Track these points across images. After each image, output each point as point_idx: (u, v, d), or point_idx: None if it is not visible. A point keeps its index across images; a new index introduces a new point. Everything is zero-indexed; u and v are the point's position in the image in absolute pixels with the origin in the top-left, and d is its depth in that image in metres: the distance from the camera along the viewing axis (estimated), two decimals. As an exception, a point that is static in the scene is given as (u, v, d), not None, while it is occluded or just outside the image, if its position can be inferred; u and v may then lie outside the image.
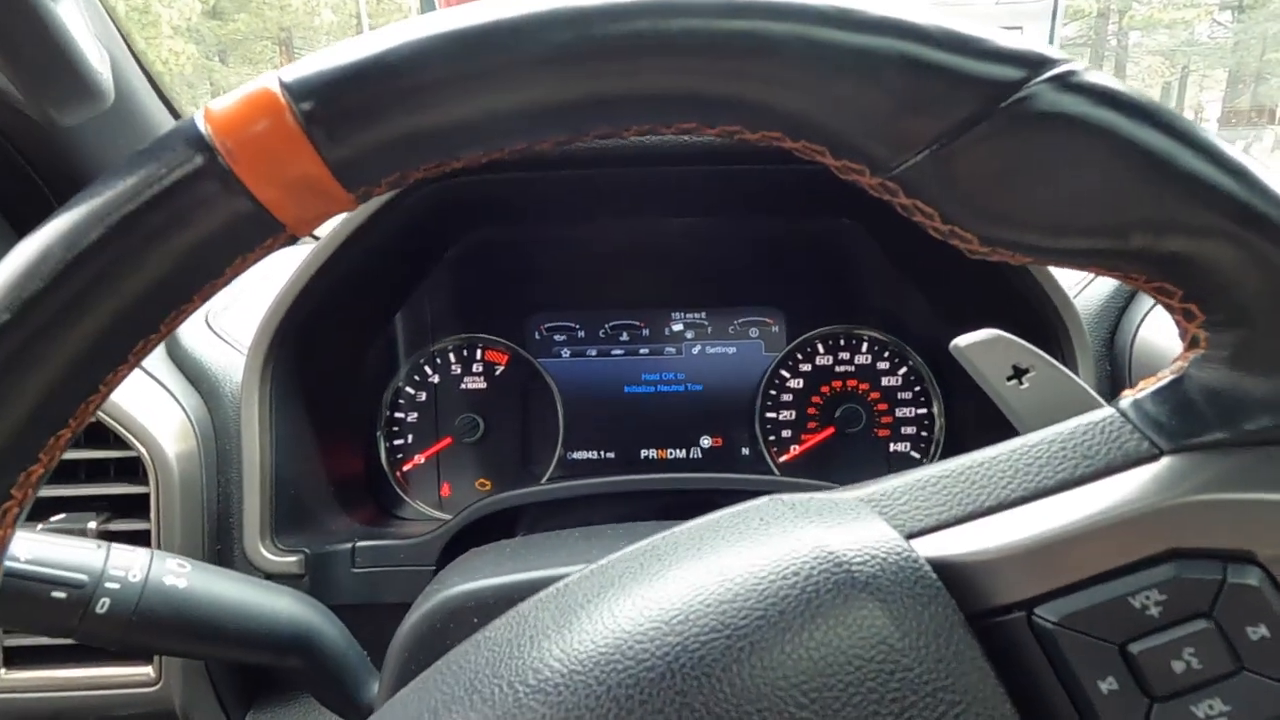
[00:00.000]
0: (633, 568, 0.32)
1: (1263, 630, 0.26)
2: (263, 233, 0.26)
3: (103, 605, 0.46)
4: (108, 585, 0.47)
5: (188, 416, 0.76)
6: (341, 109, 0.23)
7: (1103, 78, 0.25)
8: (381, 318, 0.95)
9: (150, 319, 0.26)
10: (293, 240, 0.27)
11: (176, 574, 0.50)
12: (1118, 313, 0.78)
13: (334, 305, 0.81)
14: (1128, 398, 0.30)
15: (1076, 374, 0.74)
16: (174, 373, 0.80)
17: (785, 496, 0.34)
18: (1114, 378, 0.78)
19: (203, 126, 0.24)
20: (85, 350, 0.25)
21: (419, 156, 0.25)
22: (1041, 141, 0.24)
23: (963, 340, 0.46)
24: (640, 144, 0.74)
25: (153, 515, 0.72)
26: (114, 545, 0.50)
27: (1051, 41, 4.20)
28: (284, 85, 0.24)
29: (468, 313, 1.01)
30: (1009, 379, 0.45)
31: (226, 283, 0.27)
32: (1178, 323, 0.30)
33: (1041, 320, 0.77)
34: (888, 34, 0.23)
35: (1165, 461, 0.28)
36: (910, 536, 0.29)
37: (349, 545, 0.78)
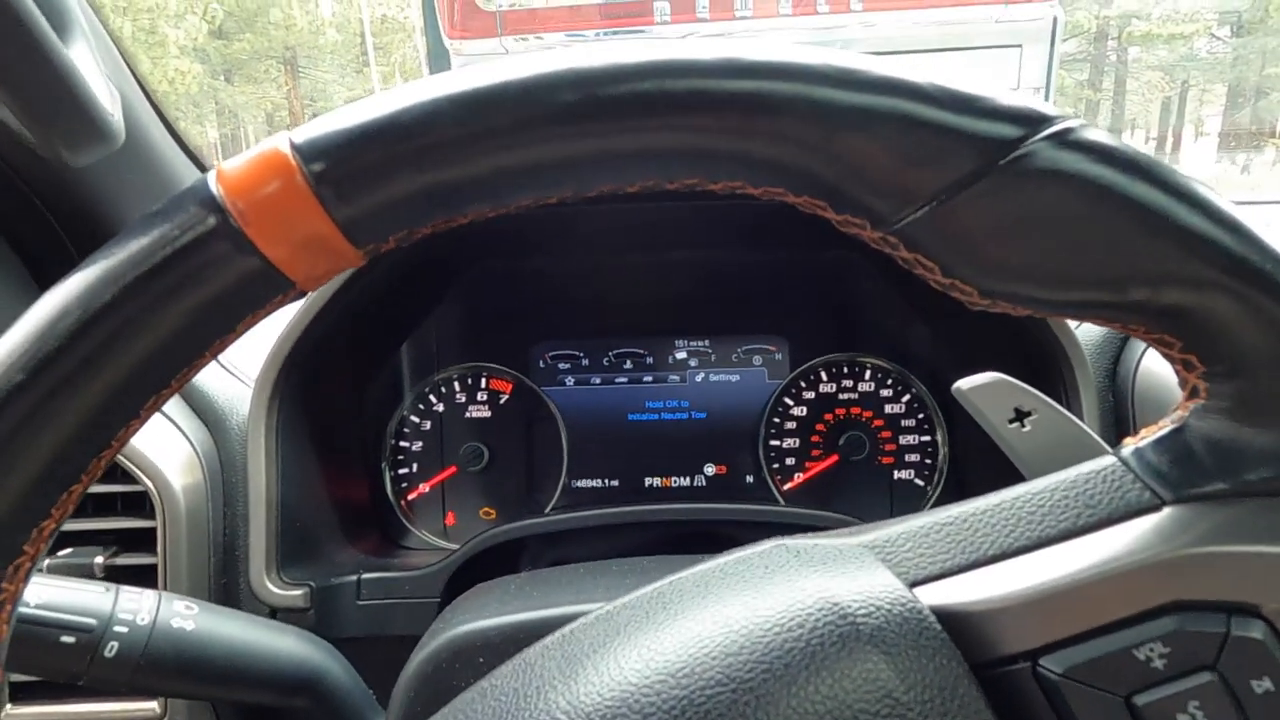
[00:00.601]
0: (638, 616, 0.32)
1: (1267, 684, 0.27)
2: (273, 290, 0.26)
3: (111, 649, 0.47)
4: (116, 629, 0.47)
5: (194, 449, 0.77)
6: (350, 170, 0.24)
7: (1100, 134, 0.26)
8: (387, 349, 0.96)
9: (163, 376, 0.27)
10: (302, 295, 0.28)
11: (184, 616, 0.50)
12: (1120, 344, 0.78)
13: (340, 337, 0.82)
14: (1129, 446, 0.31)
15: (1080, 405, 0.75)
16: (181, 406, 0.81)
17: (789, 542, 0.34)
18: (1117, 410, 0.78)
19: (215, 188, 0.24)
20: (98, 408, 0.26)
21: (427, 214, 0.26)
22: (1040, 198, 0.24)
23: (964, 383, 0.46)
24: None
25: (159, 550, 0.72)
26: (122, 588, 0.50)
27: (1051, 57, 4.22)
28: (294, 146, 0.24)
29: (472, 342, 1.01)
30: (1011, 421, 0.45)
31: (237, 337, 0.28)
32: (1177, 372, 0.30)
33: (1044, 352, 0.77)
34: (888, 93, 0.24)
35: (1167, 512, 0.28)
36: (914, 585, 0.29)
37: (354, 577, 0.79)
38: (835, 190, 0.25)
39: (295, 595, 0.75)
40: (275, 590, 0.74)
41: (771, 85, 0.24)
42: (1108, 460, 0.31)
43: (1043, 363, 0.78)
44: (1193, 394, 0.30)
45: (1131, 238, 0.25)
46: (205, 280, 0.25)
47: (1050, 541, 0.28)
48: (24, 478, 0.25)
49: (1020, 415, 0.45)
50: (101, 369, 0.25)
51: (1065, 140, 0.24)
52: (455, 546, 0.97)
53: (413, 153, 0.24)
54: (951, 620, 0.27)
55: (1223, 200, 0.26)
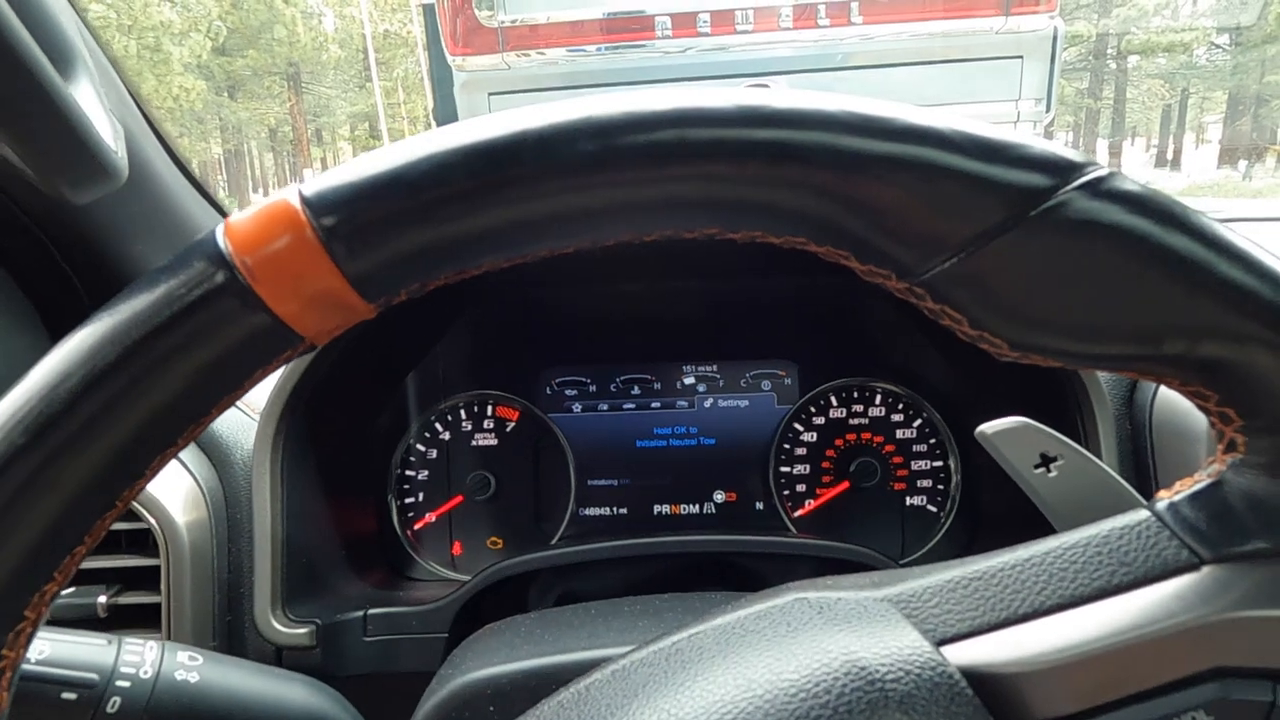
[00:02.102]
0: (656, 675, 0.31)
1: None
2: (282, 345, 0.25)
3: (114, 704, 0.46)
4: (118, 684, 0.46)
5: (199, 485, 0.76)
6: (362, 224, 0.23)
7: (1132, 184, 0.25)
8: (393, 380, 0.95)
9: (169, 435, 0.26)
10: (313, 348, 0.27)
11: (188, 668, 0.49)
12: (1136, 370, 0.77)
13: (345, 371, 0.81)
14: (1164, 500, 0.30)
15: (1098, 435, 0.74)
16: (185, 441, 0.80)
17: (811, 596, 0.33)
18: (1134, 439, 0.77)
19: (223, 243, 0.24)
20: (102, 470, 0.25)
21: (440, 267, 0.25)
22: (1073, 249, 0.23)
23: (988, 428, 0.45)
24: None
25: (163, 589, 0.71)
26: (125, 641, 0.49)
27: (1053, 68, 4.22)
28: (304, 199, 0.24)
29: (478, 370, 1.00)
30: (1036, 467, 0.44)
31: (244, 393, 0.27)
32: (1213, 424, 0.29)
33: (1057, 377, 0.76)
34: (914, 141, 0.23)
35: (1206, 572, 0.27)
36: (941, 643, 0.28)
37: (361, 613, 0.77)
38: (860, 241, 0.25)
39: (301, 633, 0.73)
40: (281, 629, 0.73)
41: (794, 134, 0.23)
42: (1142, 515, 0.30)
43: (1058, 390, 0.76)
44: (1230, 447, 0.29)
45: (1168, 291, 0.24)
46: (213, 338, 0.24)
47: (1084, 600, 0.27)
48: (25, 543, 0.24)
49: (1046, 461, 0.44)
50: (106, 431, 0.24)
51: (1098, 190, 0.23)
52: (463, 577, 0.96)
53: (426, 206, 0.23)
54: (982, 683, 0.26)
55: (1261, 250, 0.25)
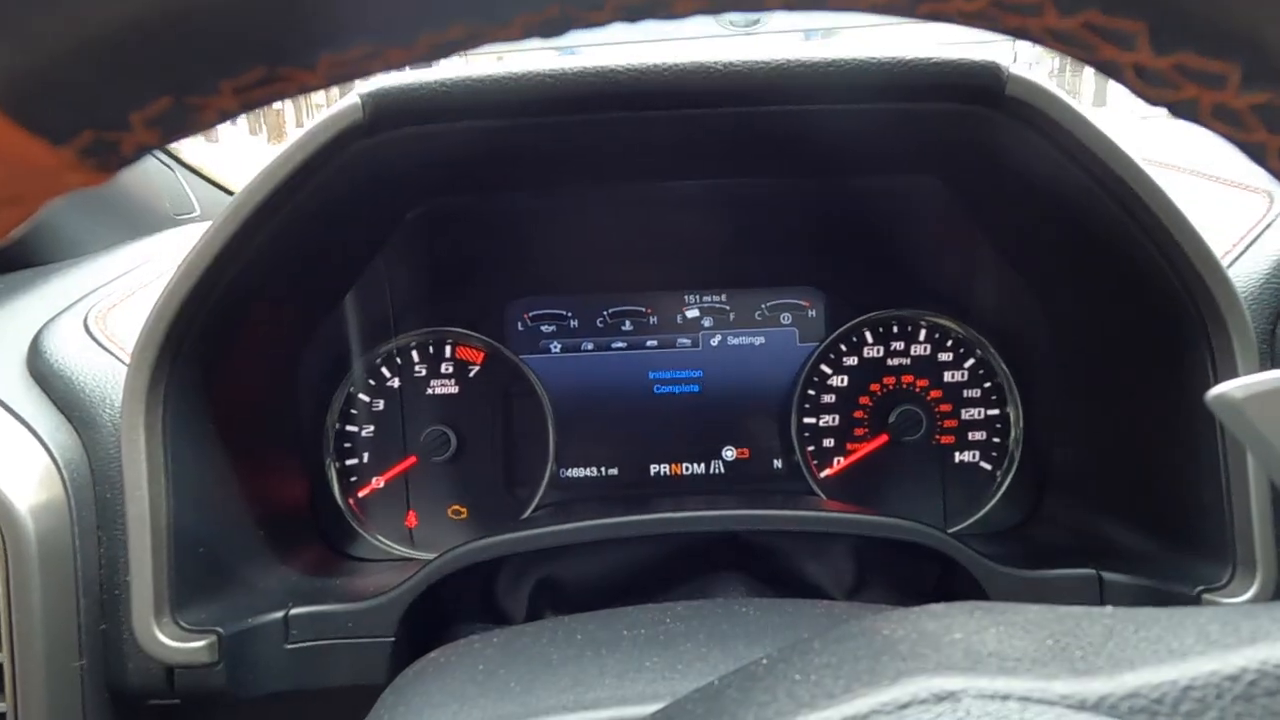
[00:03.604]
0: None
1: None
2: None
3: None
4: None
5: (52, 456, 0.57)
6: None
7: None
8: (321, 307, 0.75)
9: None
10: None
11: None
12: (1281, 295, 0.60)
13: (252, 294, 0.62)
14: None
15: (1236, 374, 0.56)
16: (35, 396, 0.61)
17: (974, 705, 0.20)
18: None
19: None
20: None
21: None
22: None
23: (1232, 386, 0.27)
24: (644, 79, 0.54)
25: (3, 594, 0.53)
26: None
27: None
28: None
29: (434, 300, 0.83)
30: (1316, 450, 0.26)
31: None
32: None
33: (1174, 301, 0.58)
34: None
35: None
36: None
37: (280, 615, 0.60)
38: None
39: (197, 647, 0.56)
40: (169, 643, 0.56)
41: None
42: None
43: (1174, 316, 0.59)
44: None
45: None
46: None
47: None
48: None
49: (1334, 440, 0.26)
50: None
51: None
52: (420, 554, 0.80)
53: None
54: None
55: None
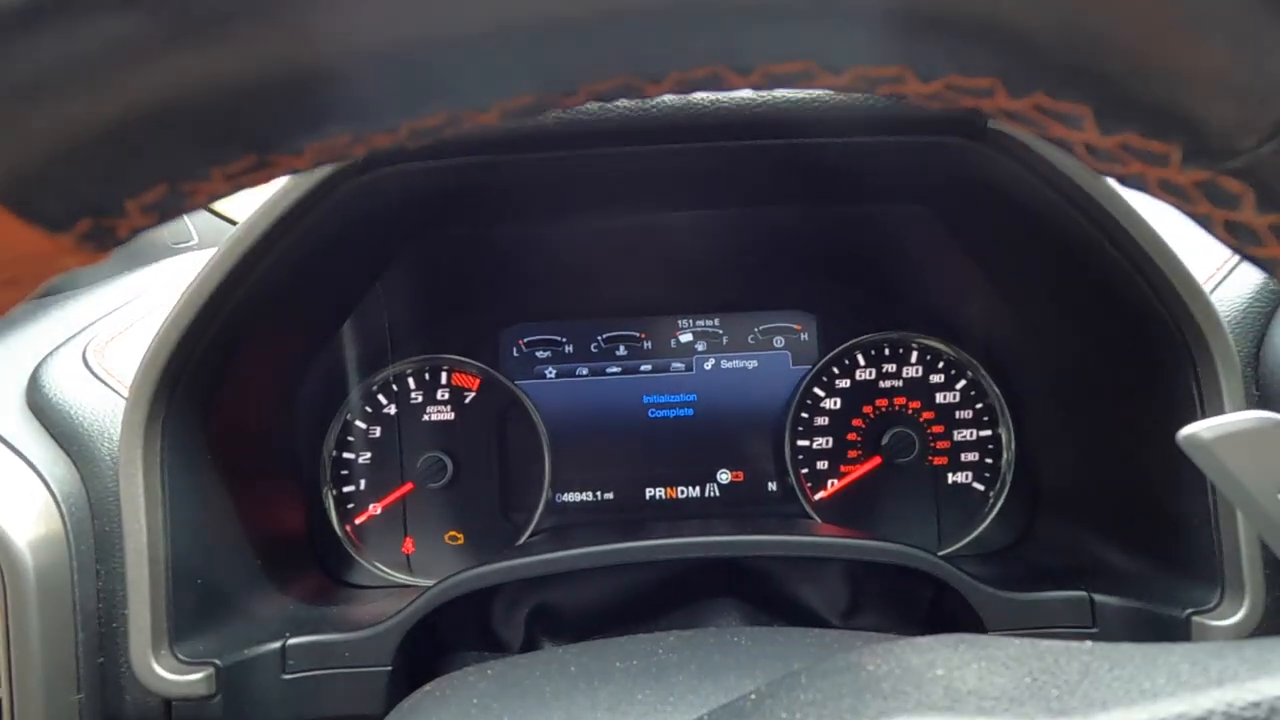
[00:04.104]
0: None
1: None
2: None
3: None
4: None
5: (50, 491, 0.58)
6: None
7: None
8: (318, 338, 0.76)
9: None
10: None
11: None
12: (1264, 318, 0.60)
13: (249, 328, 0.62)
14: None
15: (1220, 398, 0.57)
16: (34, 429, 0.61)
17: None
18: (1264, 405, 0.61)
19: None
20: None
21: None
22: None
23: (1202, 427, 0.28)
24: (635, 114, 0.55)
25: (1, 629, 0.53)
26: None
27: None
28: None
29: (429, 327, 0.83)
30: (1286, 489, 0.27)
31: None
32: None
33: (1158, 325, 0.59)
34: None
35: None
36: None
37: (277, 645, 0.61)
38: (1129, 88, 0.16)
39: (195, 679, 0.56)
40: (167, 675, 0.56)
41: None
42: None
43: (1159, 341, 0.59)
44: None
45: None
46: None
47: None
48: None
49: (1301, 478, 0.27)
50: None
51: None
52: (418, 580, 0.80)
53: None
54: None
55: None
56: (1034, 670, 0.27)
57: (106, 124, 0.14)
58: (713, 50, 0.16)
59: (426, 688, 0.46)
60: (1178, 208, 0.18)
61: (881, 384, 0.82)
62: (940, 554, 0.79)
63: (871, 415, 0.82)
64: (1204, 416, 0.61)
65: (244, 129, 0.16)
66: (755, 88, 0.17)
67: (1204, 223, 0.18)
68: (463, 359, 0.82)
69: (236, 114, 0.15)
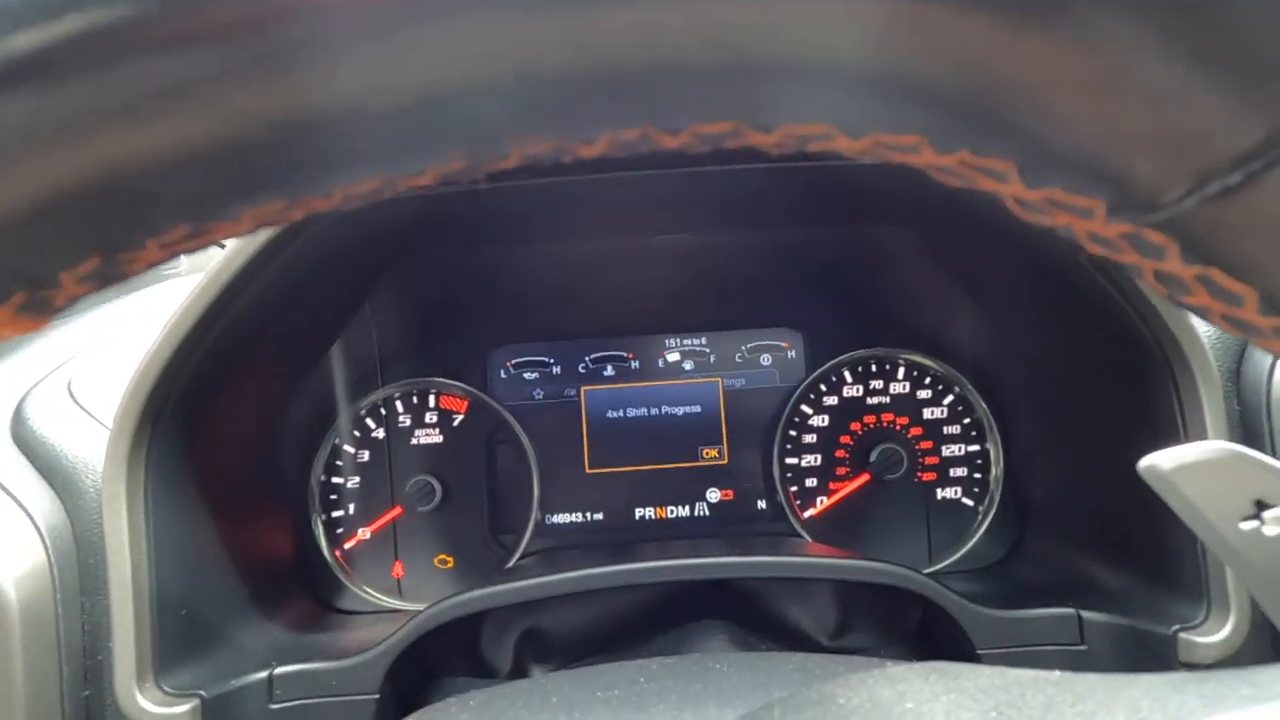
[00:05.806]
0: None
1: None
2: None
3: None
4: None
5: (34, 524, 0.58)
6: None
7: None
8: (302, 365, 0.76)
9: None
10: None
11: None
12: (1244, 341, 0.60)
13: (232, 358, 0.63)
14: None
15: (1201, 416, 0.57)
16: (18, 462, 0.61)
17: None
18: (1247, 420, 0.61)
19: None
20: None
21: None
22: None
23: (1161, 458, 0.28)
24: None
25: (-16, 665, 0.53)
26: None
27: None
28: None
29: (417, 350, 0.83)
30: (1247, 519, 0.27)
31: None
32: None
33: (1138, 341, 0.59)
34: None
35: None
36: None
37: (264, 674, 0.60)
38: (1046, 146, 0.16)
39: (179, 713, 0.56)
40: (151, 708, 0.56)
41: None
42: None
43: (1141, 361, 0.60)
44: None
45: None
46: None
47: None
48: None
49: (1261, 509, 0.27)
50: None
51: None
52: (408, 605, 0.80)
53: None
54: None
55: None
56: (1000, 703, 0.27)
57: (32, 202, 0.15)
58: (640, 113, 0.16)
59: (410, 718, 0.46)
60: (1109, 256, 0.18)
61: (869, 400, 0.82)
62: (930, 570, 0.79)
63: (860, 432, 0.82)
64: (1186, 432, 0.61)
65: (176, 200, 0.16)
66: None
67: (1135, 271, 0.18)
68: (450, 382, 0.83)
69: (168, 185, 0.15)
